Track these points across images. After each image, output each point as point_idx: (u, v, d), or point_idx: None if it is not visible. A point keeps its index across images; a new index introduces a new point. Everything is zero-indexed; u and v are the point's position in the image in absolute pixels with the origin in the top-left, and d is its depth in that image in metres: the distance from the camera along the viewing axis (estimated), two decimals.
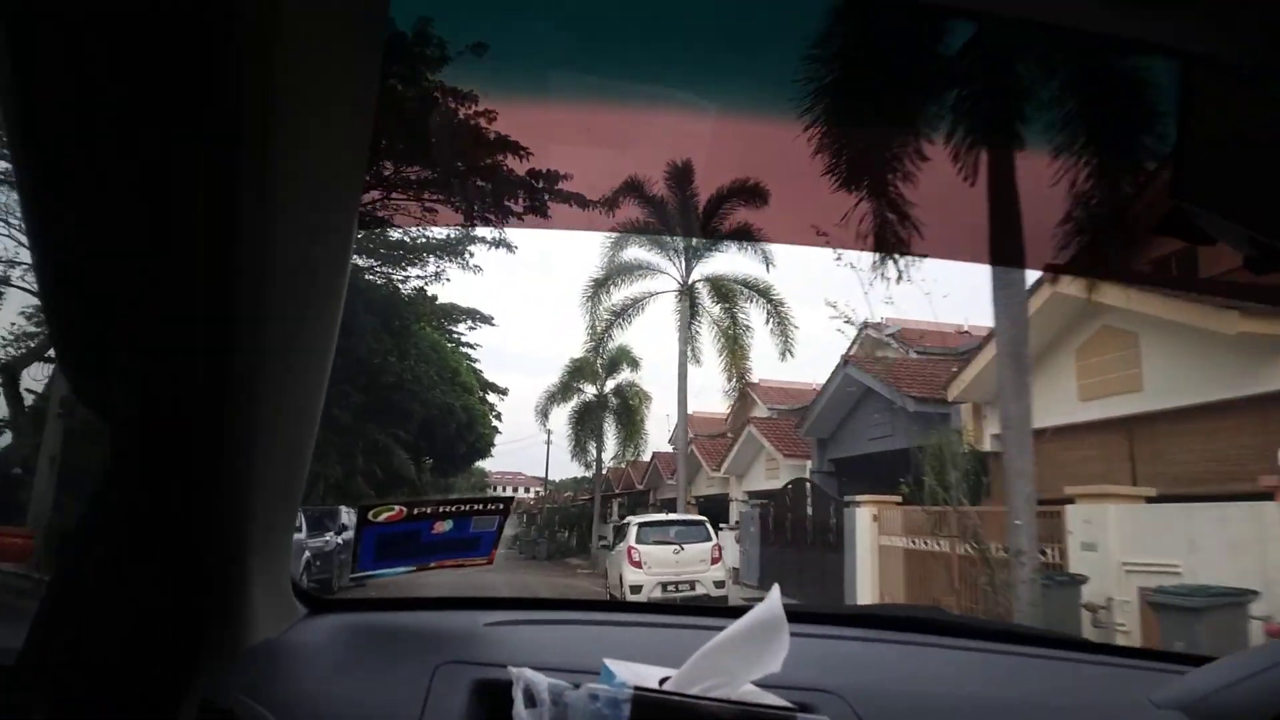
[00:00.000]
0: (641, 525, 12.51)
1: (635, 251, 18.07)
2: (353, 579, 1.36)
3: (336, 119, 0.71)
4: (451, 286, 26.91)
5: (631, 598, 10.81)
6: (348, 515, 13.03)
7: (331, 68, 0.66)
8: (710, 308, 18.14)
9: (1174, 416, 8.46)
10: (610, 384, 23.20)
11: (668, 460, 22.62)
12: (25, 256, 11.05)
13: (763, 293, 17.51)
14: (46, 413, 10.09)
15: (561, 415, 23.62)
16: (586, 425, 23.39)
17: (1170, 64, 0.75)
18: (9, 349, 13.19)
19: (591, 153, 1.72)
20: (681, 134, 1.51)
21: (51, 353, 11.00)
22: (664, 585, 11.52)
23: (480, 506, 1.31)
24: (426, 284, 19.11)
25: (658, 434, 24.98)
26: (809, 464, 15.89)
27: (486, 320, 22.33)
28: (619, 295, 18.71)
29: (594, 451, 23.89)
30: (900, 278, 7.52)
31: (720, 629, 0.93)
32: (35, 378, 12.32)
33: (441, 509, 1.28)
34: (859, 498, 11.96)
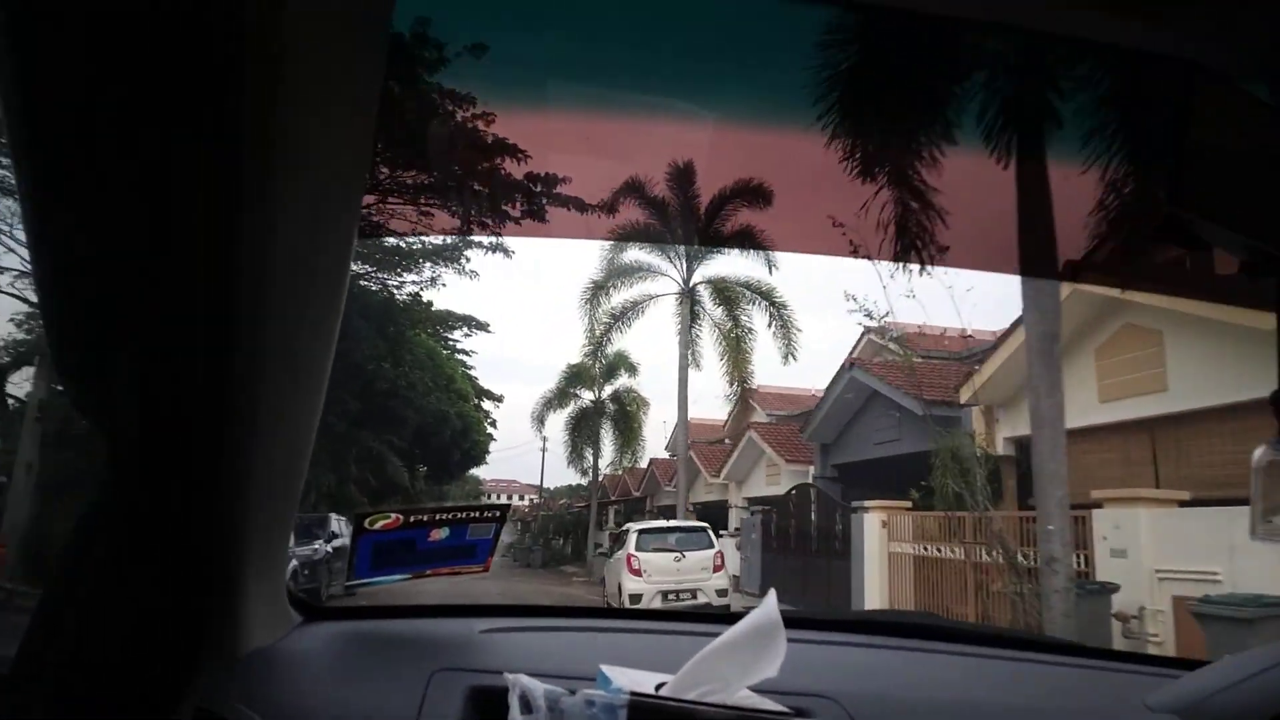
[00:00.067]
0: (641, 532, 12.25)
1: (636, 254, 17.91)
2: (348, 587, 1.34)
3: (338, 119, 0.71)
4: (447, 293, 26.83)
5: (631, 607, 10.55)
6: (337, 523, 12.86)
7: (333, 67, 0.67)
8: (712, 310, 17.96)
9: (1201, 417, 8.13)
10: (608, 390, 23.19)
11: (665, 467, 22.59)
12: (8, 262, 10.80)
13: (765, 295, 17.33)
14: (23, 418, 9.76)
15: (557, 422, 23.61)
16: (583, 431, 23.39)
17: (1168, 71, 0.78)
18: None
19: (591, 160, 1.71)
20: (682, 142, 1.52)
21: (32, 357, 10.76)
22: (665, 594, 11.29)
23: (477, 514, 1.31)
24: (422, 289, 18.94)
25: (654, 441, 24.93)
26: (811, 469, 15.70)
27: (482, 327, 22.00)
28: (619, 298, 18.57)
29: (590, 458, 23.88)
30: (923, 269, 7.18)
31: (716, 635, 0.94)
32: (12, 382, 12.01)
33: (438, 517, 1.28)
34: (867, 503, 11.69)
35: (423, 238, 16.03)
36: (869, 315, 9.34)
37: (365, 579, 1.27)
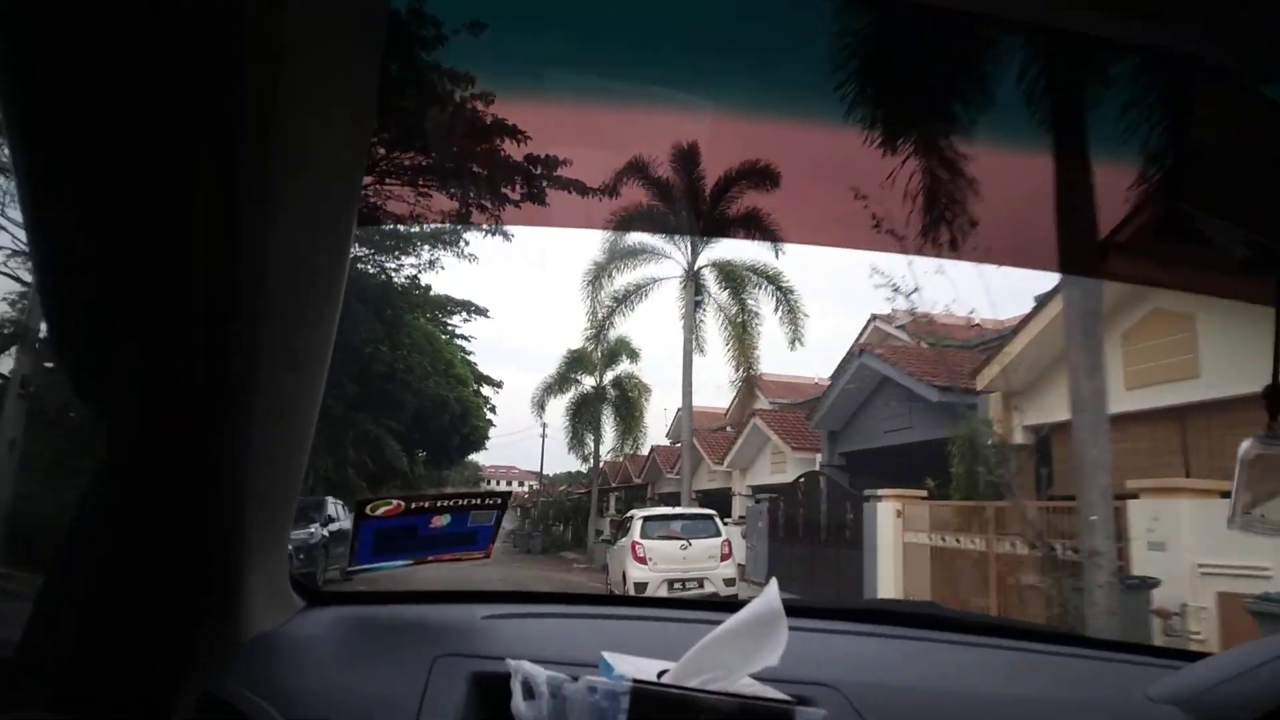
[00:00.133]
0: (646, 519, 12.06)
1: (639, 236, 17.50)
2: (349, 572, 1.33)
3: (336, 119, 0.72)
4: (446, 277, 26.56)
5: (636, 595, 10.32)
6: (334, 507, 12.66)
7: (332, 68, 0.67)
8: (717, 294, 17.61)
9: (1235, 405, 7.70)
10: (609, 375, 22.99)
11: (666, 454, 22.44)
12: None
13: (771, 279, 16.96)
14: (6, 394, 9.42)
15: (558, 408, 23.44)
16: (584, 417, 23.23)
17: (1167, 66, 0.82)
18: None
19: (592, 144, 1.68)
20: (685, 134, 1.54)
21: (16, 335, 10.44)
22: (670, 583, 11.12)
23: (478, 501, 1.31)
24: (420, 273, 18.76)
25: (656, 427, 24.75)
26: (819, 457, 15.45)
27: (482, 313, 21.84)
28: (621, 280, 18.24)
29: (591, 444, 23.70)
30: (954, 243, 6.83)
31: (718, 623, 0.95)
32: None
33: (439, 503, 1.28)
34: (880, 491, 11.38)
35: (421, 222, 15.79)
36: (896, 290, 9.09)
37: (366, 565, 1.27)
